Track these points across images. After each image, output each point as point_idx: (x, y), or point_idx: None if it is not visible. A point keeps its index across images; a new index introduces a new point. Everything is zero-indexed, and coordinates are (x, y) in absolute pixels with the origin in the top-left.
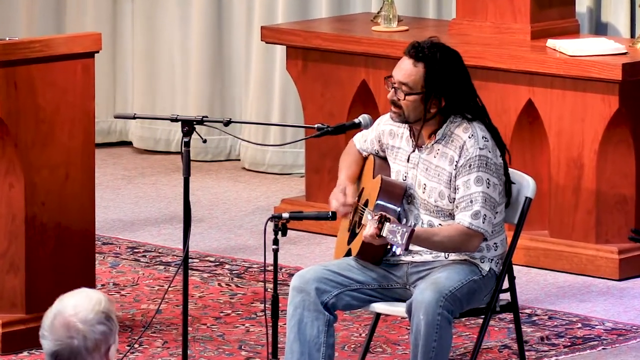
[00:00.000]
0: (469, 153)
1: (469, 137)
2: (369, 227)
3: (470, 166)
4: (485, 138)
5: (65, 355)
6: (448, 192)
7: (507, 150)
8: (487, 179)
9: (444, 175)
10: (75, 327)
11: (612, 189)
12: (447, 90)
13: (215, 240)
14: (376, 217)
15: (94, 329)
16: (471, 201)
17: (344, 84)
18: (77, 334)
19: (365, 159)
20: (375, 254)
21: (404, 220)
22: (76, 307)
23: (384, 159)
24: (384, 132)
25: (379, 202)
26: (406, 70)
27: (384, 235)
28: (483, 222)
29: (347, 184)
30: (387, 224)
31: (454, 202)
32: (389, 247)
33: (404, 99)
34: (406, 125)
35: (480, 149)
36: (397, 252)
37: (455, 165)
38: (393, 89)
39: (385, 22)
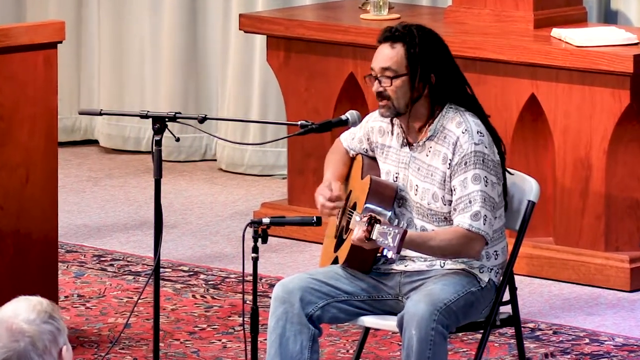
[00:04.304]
0: (463, 150)
1: (463, 133)
2: (357, 230)
3: (466, 164)
4: (481, 133)
5: None
6: (442, 194)
7: (503, 144)
8: (485, 176)
9: (437, 175)
10: (19, 328)
11: (622, 192)
12: (433, 65)
13: (189, 248)
14: (365, 219)
15: (40, 328)
16: (470, 201)
17: (330, 77)
18: (23, 336)
19: (352, 159)
20: (364, 261)
21: (396, 222)
22: (15, 310)
23: (374, 158)
24: (373, 130)
25: (368, 205)
26: (385, 54)
27: (373, 238)
28: (484, 224)
29: (334, 180)
30: (377, 225)
31: (448, 204)
32: (379, 254)
33: (391, 85)
34: (397, 121)
35: (475, 144)
36: (389, 256)
37: (449, 164)
38: (377, 81)
39: (375, 10)
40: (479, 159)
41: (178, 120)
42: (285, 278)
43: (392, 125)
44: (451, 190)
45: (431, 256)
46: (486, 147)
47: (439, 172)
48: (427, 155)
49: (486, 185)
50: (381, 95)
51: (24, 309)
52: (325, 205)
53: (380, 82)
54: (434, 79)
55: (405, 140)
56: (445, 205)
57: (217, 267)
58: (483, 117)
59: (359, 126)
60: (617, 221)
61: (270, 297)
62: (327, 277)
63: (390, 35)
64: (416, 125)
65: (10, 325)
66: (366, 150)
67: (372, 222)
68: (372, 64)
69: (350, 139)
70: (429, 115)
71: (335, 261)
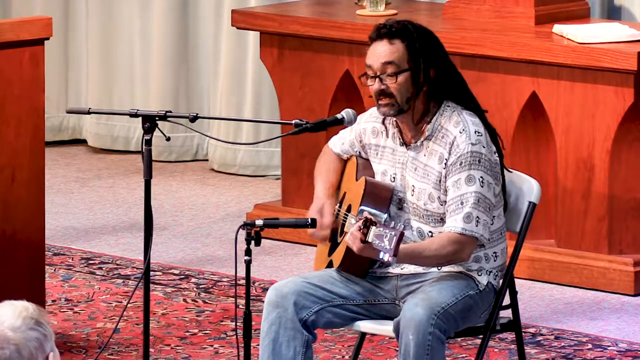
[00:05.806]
0: (459, 149)
1: (460, 132)
2: (352, 233)
3: (461, 164)
4: (479, 132)
5: None
6: (438, 194)
7: (499, 136)
8: (481, 177)
9: (433, 176)
10: (3, 336)
11: (626, 193)
12: (432, 60)
13: (180, 251)
14: (360, 222)
15: (26, 335)
16: (462, 202)
17: (325, 75)
18: (8, 344)
19: (345, 161)
20: (360, 265)
21: (392, 224)
22: (0, 317)
23: (368, 159)
24: (366, 131)
25: (363, 207)
26: (385, 50)
27: (369, 240)
28: (476, 225)
29: (324, 201)
30: (373, 227)
31: (444, 205)
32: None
33: (395, 81)
34: (391, 121)
35: (472, 144)
36: (386, 259)
37: (445, 164)
38: (378, 79)
39: (371, 6)
40: (475, 159)
41: (168, 119)
42: (278, 282)
43: (385, 125)
44: (445, 191)
45: (426, 267)
46: (483, 147)
47: (435, 172)
48: (424, 156)
49: (482, 186)
50: (384, 93)
51: (9, 316)
52: (315, 235)
53: (382, 80)
54: (434, 74)
55: (401, 140)
56: (441, 205)
57: (208, 270)
58: (480, 114)
59: (348, 129)
60: (621, 223)
61: (263, 301)
62: (321, 280)
63: (387, 32)
64: (414, 123)
65: None
66: (359, 152)
67: (367, 224)
68: (369, 62)
69: (340, 144)
70: (425, 111)
71: (330, 265)
